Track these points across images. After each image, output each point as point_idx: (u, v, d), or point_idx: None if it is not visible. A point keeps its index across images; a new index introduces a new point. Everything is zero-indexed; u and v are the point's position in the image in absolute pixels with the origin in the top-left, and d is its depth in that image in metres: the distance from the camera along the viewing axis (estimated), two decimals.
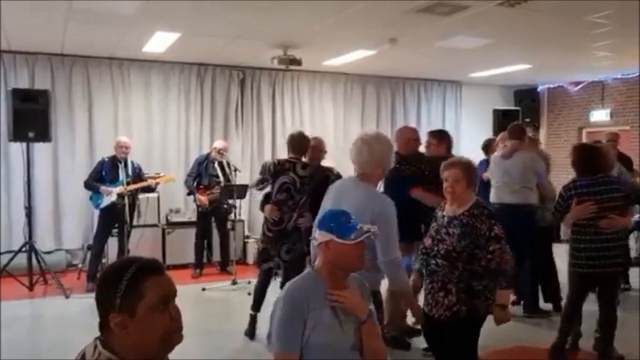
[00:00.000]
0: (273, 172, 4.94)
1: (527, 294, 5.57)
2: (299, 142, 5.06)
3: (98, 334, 1.46)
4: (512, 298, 5.75)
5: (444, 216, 3.17)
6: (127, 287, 1.40)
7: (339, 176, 4.80)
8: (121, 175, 6.49)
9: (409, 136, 4.80)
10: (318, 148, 5.27)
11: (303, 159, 5.02)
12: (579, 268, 4.19)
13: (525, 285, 5.55)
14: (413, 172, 4.57)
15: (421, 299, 3.30)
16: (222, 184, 7.16)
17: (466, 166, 3.16)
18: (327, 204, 3.31)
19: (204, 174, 7.24)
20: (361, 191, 3.12)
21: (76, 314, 5.51)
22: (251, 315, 4.94)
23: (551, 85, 10.66)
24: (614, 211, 4.03)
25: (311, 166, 4.99)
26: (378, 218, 2.87)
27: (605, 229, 4.03)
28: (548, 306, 5.65)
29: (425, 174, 4.50)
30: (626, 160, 6.48)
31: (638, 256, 7.76)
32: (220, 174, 7.26)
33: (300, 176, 4.90)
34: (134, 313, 1.40)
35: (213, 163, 7.26)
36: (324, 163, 5.39)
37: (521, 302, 5.72)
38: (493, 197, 5.64)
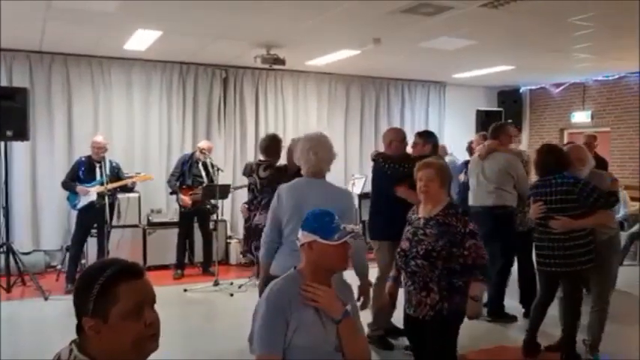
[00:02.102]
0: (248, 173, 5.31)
1: (492, 297, 5.43)
2: (266, 144, 5.32)
3: (76, 336, 1.42)
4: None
5: (419, 218, 3.24)
6: (101, 291, 1.35)
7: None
8: (98, 175, 6.40)
9: (391, 137, 4.89)
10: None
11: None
12: (539, 266, 4.35)
13: (492, 288, 5.43)
14: (396, 171, 4.65)
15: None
16: (204, 184, 7.10)
17: (439, 166, 3.30)
18: (284, 207, 3.27)
19: (188, 174, 7.17)
20: (322, 188, 3.24)
21: (55, 316, 5.41)
22: None
23: (534, 87, 10.76)
24: (562, 212, 4.06)
25: (272, 168, 5.17)
26: (345, 212, 2.91)
27: (554, 229, 4.10)
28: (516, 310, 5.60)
29: (408, 173, 4.54)
30: (600, 162, 6.45)
31: None
32: (204, 174, 7.20)
33: (260, 178, 5.18)
34: (107, 318, 1.35)
35: (197, 163, 7.20)
36: None
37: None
38: (471, 199, 5.60)
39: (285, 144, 5.50)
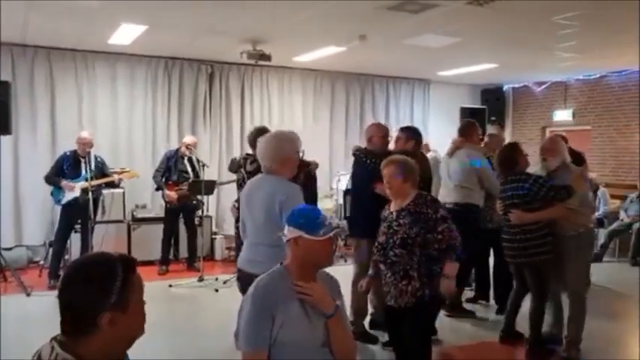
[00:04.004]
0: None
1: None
2: (254, 138, 5.15)
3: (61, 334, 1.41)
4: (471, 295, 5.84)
5: (391, 212, 3.35)
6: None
7: (308, 172, 4.75)
8: (83, 171, 6.34)
9: (372, 133, 4.84)
10: None
11: None
12: (505, 257, 4.62)
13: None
14: (376, 167, 4.59)
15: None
16: (190, 180, 7.07)
17: (401, 163, 3.39)
18: (241, 202, 3.42)
19: (174, 169, 7.12)
20: (269, 183, 3.21)
21: (38, 312, 5.37)
22: None
23: (516, 85, 10.86)
24: (517, 207, 4.30)
25: (258, 161, 4.99)
26: (284, 204, 2.94)
27: (511, 221, 4.37)
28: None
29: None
30: (577, 156, 6.43)
31: (597, 253, 7.98)
32: (189, 170, 7.17)
33: (247, 172, 5.05)
34: (127, 307, 1.39)
35: (183, 158, 7.17)
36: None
37: (478, 300, 5.82)
38: (439, 198, 5.62)
39: None
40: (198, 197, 7.03)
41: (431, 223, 3.18)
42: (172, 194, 7.05)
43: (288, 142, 3.31)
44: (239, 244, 5.16)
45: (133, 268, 1.45)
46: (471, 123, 5.78)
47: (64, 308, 1.40)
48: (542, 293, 4.40)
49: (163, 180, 7.12)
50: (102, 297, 1.36)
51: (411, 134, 4.94)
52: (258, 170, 4.91)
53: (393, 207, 3.37)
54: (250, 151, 5.29)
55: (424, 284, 3.17)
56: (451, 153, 5.53)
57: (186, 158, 7.17)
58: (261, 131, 5.28)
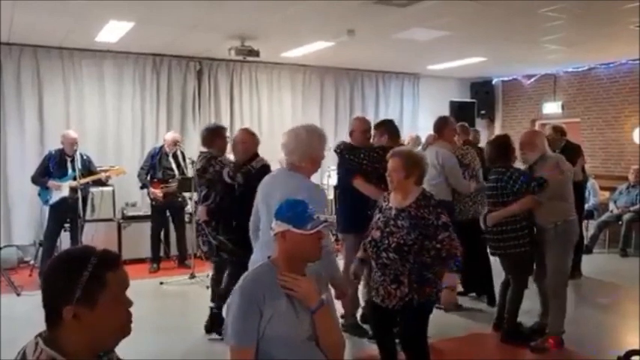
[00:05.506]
0: None
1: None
2: (202, 135, 5.11)
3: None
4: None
5: (390, 207, 3.19)
6: (90, 278, 1.35)
7: (262, 168, 4.42)
8: (70, 169, 6.29)
9: (353, 127, 4.81)
10: (241, 141, 4.79)
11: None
12: (488, 249, 4.73)
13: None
14: (353, 162, 4.60)
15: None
16: (177, 177, 7.02)
17: (405, 156, 3.21)
18: (258, 198, 3.24)
19: (158, 167, 7.06)
20: (290, 181, 3.03)
21: (28, 312, 5.31)
22: None
23: (506, 78, 10.88)
24: (496, 198, 4.39)
25: (206, 159, 4.91)
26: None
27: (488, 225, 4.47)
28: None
29: (362, 164, 4.55)
30: (573, 148, 6.46)
31: (587, 244, 8.02)
32: (174, 167, 7.11)
33: (196, 169, 5.00)
34: (95, 304, 1.35)
35: (167, 155, 7.11)
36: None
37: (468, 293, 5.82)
38: None
39: (263, 138, 5.42)
40: (185, 195, 6.98)
41: (431, 229, 3.03)
42: (157, 192, 7.00)
43: (319, 137, 3.12)
44: (200, 243, 5.19)
45: (111, 266, 1.40)
46: (444, 119, 5.63)
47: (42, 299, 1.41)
48: (519, 282, 4.44)
49: (148, 178, 7.06)
50: (66, 290, 1.35)
51: (384, 129, 4.89)
52: (204, 168, 4.78)
53: (392, 201, 3.20)
54: (202, 149, 5.13)
55: (413, 290, 3.06)
56: (424, 148, 5.55)
57: (170, 155, 7.11)
58: (208, 129, 5.11)
